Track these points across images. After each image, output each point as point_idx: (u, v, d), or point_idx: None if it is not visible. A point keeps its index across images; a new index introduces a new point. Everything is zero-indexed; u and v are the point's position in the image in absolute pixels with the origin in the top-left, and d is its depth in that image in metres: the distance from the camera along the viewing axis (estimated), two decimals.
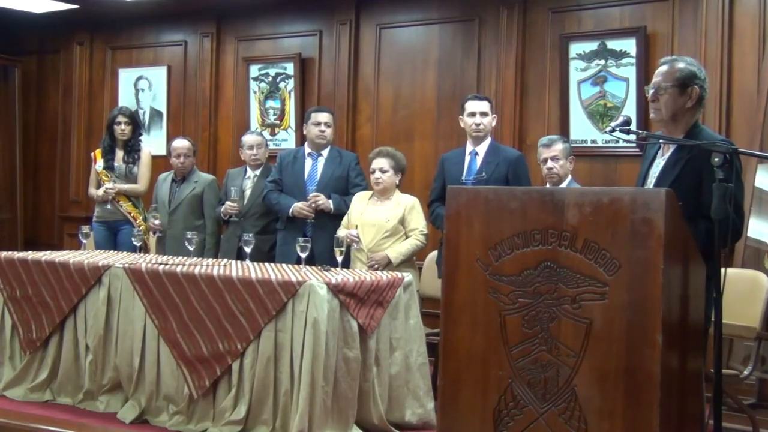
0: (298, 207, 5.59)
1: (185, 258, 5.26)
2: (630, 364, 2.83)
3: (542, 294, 3.01)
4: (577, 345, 2.92)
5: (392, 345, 4.46)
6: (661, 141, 3.57)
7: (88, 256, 5.31)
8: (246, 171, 6.18)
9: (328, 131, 5.76)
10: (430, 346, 4.76)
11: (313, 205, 5.57)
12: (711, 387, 3.14)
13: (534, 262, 3.03)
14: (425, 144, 6.84)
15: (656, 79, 3.55)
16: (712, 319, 3.15)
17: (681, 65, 3.51)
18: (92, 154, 6.75)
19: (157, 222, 6.17)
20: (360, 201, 5.42)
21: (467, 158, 5.27)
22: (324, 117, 5.76)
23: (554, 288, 2.98)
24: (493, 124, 5.36)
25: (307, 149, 5.83)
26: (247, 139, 6.20)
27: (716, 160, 3.07)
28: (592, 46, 6.11)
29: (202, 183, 6.32)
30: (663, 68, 3.55)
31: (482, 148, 5.25)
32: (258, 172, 6.11)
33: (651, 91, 3.55)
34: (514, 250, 3.08)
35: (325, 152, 5.79)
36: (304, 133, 5.89)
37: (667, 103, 3.49)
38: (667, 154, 3.55)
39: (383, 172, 5.31)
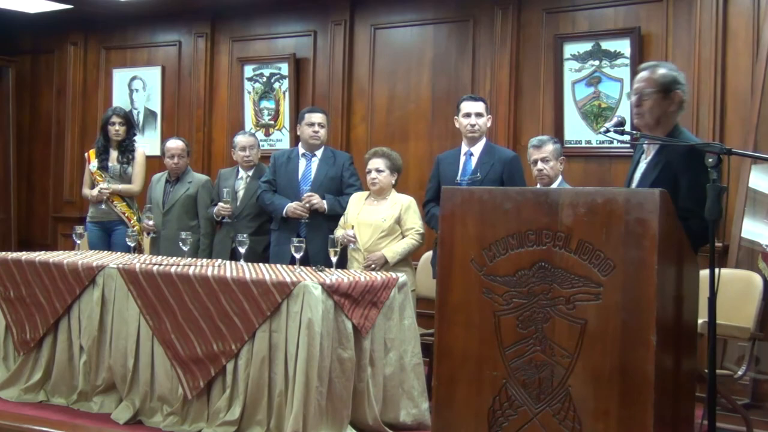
0: (292, 207, 5.58)
1: (179, 258, 5.25)
2: (624, 364, 2.83)
3: (537, 294, 3.01)
4: (571, 345, 2.93)
5: (387, 345, 4.46)
6: (654, 142, 3.59)
7: (82, 256, 5.30)
8: (238, 171, 6.16)
9: (322, 132, 5.75)
10: (424, 346, 4.76)
11: (307, 204, 5.56)
12: (705, 387, 3.15)
13: (528, 262, 3.04)
14: (420, 144, 6.84)
15: (638, 85, 3.60)
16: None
17: (663, 71, 3.57)
18: (86, 154, 6.73)
19: (150, 222, 6.16)
20: (357, 201, 5.42)
21: (462, 159, 5.27)
22: (317, 117, 5.76)
23: (549, 288, 2.99)
24: (489, 124, 5.35)
25: (300, 149, 5.83)
26: (240, 140, 6.16)
27: (710, 160, 3.08)
28: (586, 46, 6.11)
29: (197, 183, 6.30)
30: (644, 74, 3.60)
31: (477, 149, 5.25)
32: (250, 173, 6.10)
33: (634, 98, 3.60)
34: (509, 250, 3.08)
35: (319, 152, 5.78)
36: (298, 133, 5.88)
37: (652, 109, 3.56)
38: (649, 157, 3.61)
39: (379, 172, 5.31)
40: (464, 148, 5.29)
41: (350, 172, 5.77)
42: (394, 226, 5.24)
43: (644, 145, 3.66)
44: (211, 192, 6.28)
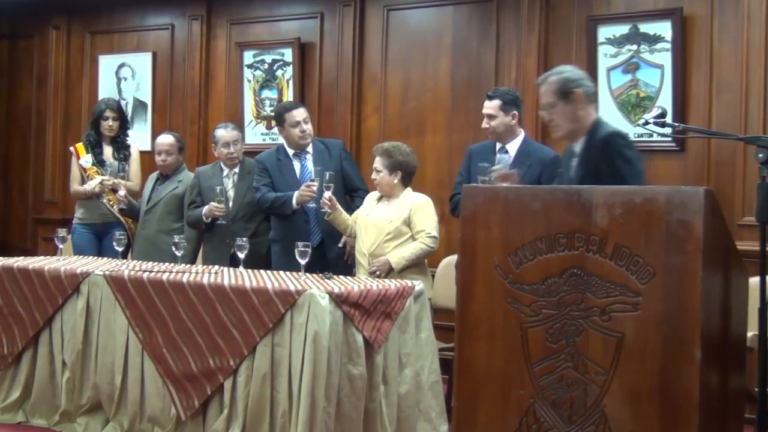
0: (298, 194, 5.51)
1: (172, 265, 5.25)
2: (665, 382, 2.83)
3: (568, 305, 3.01)
4: (606, 361, 2.93)
5: (401, 361, 4.46)
6: (700, 136, 3.59)
7: (65, 262, 5.32)
8: (222, 169, 6.04)
9: (308, 127, 5.72)
10: (443, 362, 4.76)
11: (314, 187, 5.47)
12: (755, 407, 3.14)
13: (559, 269, 3.04)
14: (438, 137, 6.84)
15: (542, 101, 4.05)
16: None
17: (553, 78, 4.03)
18: (72, 148, 6.69)
19: (122, 193, 6.11)
20: (370, 200, 5.41)
21: (496, 155, 5.20)
22: (301, 114, 5.71)
23: (581, 298, 2.99)
24: (513, 122, 5.21)
25: (289, 150, 5.80)
26: (222, 134, 5.99)
27: (760, 156, 3.07)
28: (623, 29, 6.10)
29: (186, 183, 6.21)
30: (542, 89, 4.05)
31: (513, 146, 5.14)
32: (236, 170, 5.99)
33: (545, 114, 4.06)
34: (537, 255, 3.08)
35: (309, 149, 5.76)
36: (281, 136, 5.85)
37: (561, 117, 4.00)
38: (578, 153, 4.01)
39: (377, 172, 5.28)
40: (498, 143, 5.24)
41: (350, 162, 5.85)
42: (401, 228, 5.18)
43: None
44: (193, 193, 6.10)
